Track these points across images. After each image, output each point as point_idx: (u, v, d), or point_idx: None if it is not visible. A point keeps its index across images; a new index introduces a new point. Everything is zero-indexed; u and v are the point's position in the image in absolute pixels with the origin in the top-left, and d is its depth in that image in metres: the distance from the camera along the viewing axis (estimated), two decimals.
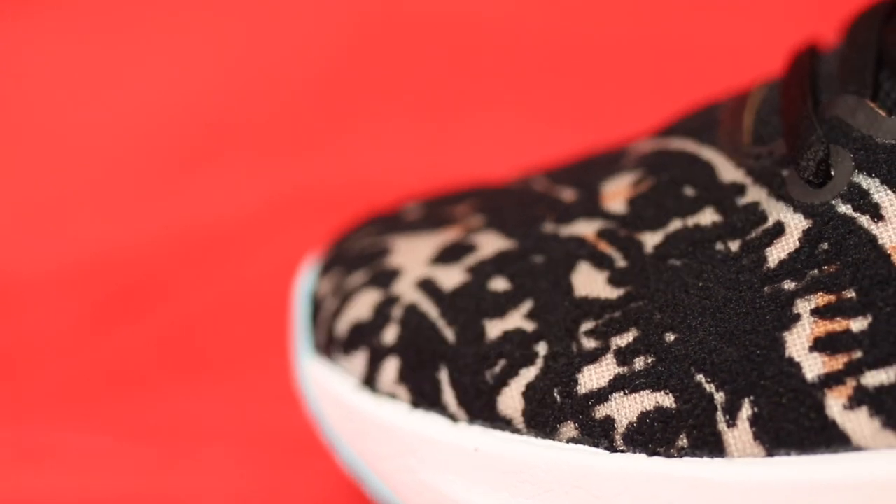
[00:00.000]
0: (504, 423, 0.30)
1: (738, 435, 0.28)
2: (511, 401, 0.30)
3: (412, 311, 0.32)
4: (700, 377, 0.29)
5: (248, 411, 0.38)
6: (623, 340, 0.30)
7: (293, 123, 0.50)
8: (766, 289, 0.29)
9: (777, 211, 0.30)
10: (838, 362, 0.28)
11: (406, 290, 0.33)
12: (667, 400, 0.29)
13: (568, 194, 0.33)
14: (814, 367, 0.28)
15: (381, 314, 0.33)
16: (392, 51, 0.52)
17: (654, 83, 0.50)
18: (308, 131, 0.49)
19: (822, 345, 0.28)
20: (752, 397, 0.28)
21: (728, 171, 0.31)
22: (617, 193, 0.33)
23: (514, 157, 0.44)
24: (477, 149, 0.48)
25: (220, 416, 0.38)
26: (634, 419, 0.29)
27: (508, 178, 0.37)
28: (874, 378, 0.28)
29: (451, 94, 0.51)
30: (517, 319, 0.31)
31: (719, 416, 0.29)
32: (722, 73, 0.43)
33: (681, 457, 0.29)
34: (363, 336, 0.33)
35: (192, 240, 0.45)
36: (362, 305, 0.33)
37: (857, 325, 0.28)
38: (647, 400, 0.29)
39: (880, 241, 0.29)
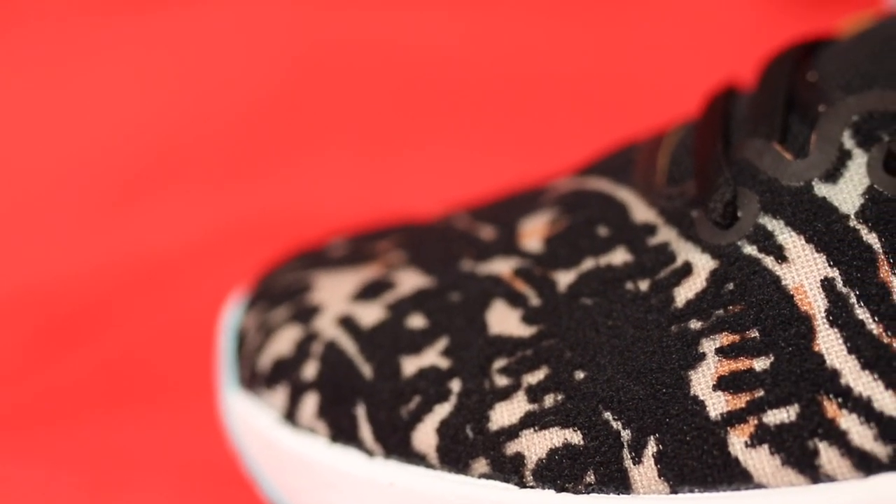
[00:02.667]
0: (418, 459, 0.31)
1: (644, 472, 0.29)
2: (425, 437, 0.31)
3: (331, 348, 0.33)
4: (607, 415, 0.29)
5: (175, 443, 0.38)
6: (534, 378, 0.30)
7: (234, 155, 0.50)
8: (673, 328, 0.30)
9: (685, 251, 0.31)
10: (741, 401, 0.29)
11: (326, 326, 0.33)
12: (575, 437, 0.30)
13: (487, 232, 0.34)
14: (717, 405, 0.29)
15: (302, 350, 0.33)
16: (332, 83, 0.53)
17: (594, 119, 0.50)
18: (249, 163, 0.50)
19: (725, 383, 0.29)
20: (657, 435, 0.29)
21: (641, 212, 0.32)
22: (534, 232, 0.33)
23: (452, 190, 0.45)
24: (416, 182, 0.49)
25: (149, 447, 0.39)
26: (544, 455, 0.30)
27: (434, 215, 0.37)
28: (775, 416, 0.28)
29: (391, 128, 0.51)
30: (433, 356, 0.32)
31: (625, 453, 0.29)
32: (661, 109, 0.44)
33: (588, 493, 0.29)
34: (284, 371, 0.33)
35: (130, 271, 0.46)
36: (284, 341, 0.34)
37: (760, 364, 0.29)
38: (556, 437, 0.30)
39: (783, 282, 0.29)
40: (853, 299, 0.29)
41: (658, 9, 0.53)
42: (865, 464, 0.28)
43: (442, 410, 0.31)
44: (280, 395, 0.33)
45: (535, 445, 0.30)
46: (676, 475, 0.29)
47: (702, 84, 0.38)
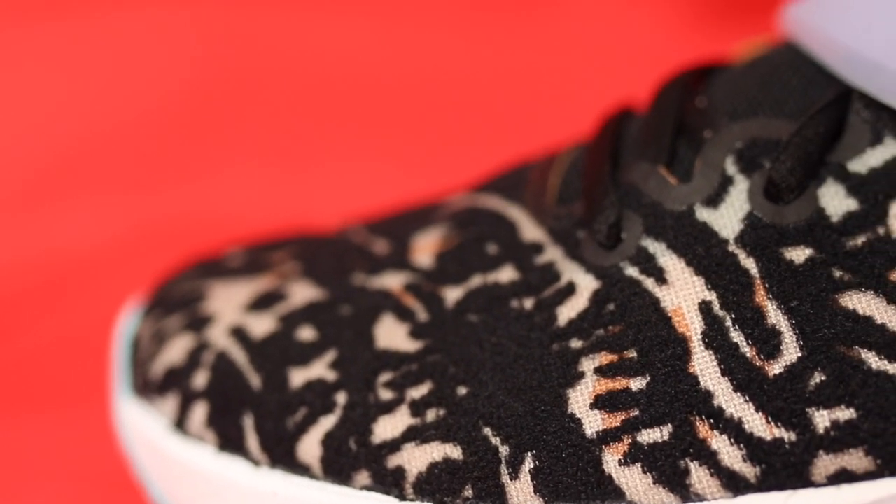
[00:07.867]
0: (302, 470, 0.31)
1: (520, 487, 0.30)
2: (310, 448, 0.31)
3: (222, 358, 0.33)
4: (487, 430, 0.30)
5: (67, 448, 0.39)
6: (418, 392, 0.31)
7: (136, 162, 0.50)
8: (554, 346, 0.30)
9: (570, 271, 0.31)
10: (616, 419, 0.29)
11: (218, 336, 0.34)
12: (455, 452, 0.30)
13: (381, 246, 0.34)
14: (593, 423, 0.29)
15: (193, 359, 0.33)
16: (236, 91, 0.53)
17: (495, 135, 0.51)
18: (151, 171, 0.50)
19: (602, 402, 0.30)
20: (534, 451, 0.30)
21: (529, 230, 0.32)
22: (426, 247, 0.34)
23: (354, 202, 0.45)
24: (318, 193, 0.49)
25: (40, 451, 0.39)
26: (424, 469, 0.30)
27: (332, 227, 0.38)
28: (649, 436, 0.29)
29: (293, 138, 0.51)
30: (320, 369, 0.32)
31: (503, 468, 0.30)
32: (561, 127, 0.44)
33: None
34: (175, 380, 0.34)
35: (28, 276, 0.46)
36: (176, 349, 0.34)
37: (636, 384, 0.29)
38: (437, 451, 0.30)
39: (662, 304, 0.30)
40: (729, 322, 0.29)
41: (562, 27, 0.54)
42: (734, 484, 0.29)
43: (327, 422, 0.31)
44: (170, 404, 0.33)
45: (415, 459, 0.30)
46: (551, 491, 0.29)
47: (604, 103, 0.38)
